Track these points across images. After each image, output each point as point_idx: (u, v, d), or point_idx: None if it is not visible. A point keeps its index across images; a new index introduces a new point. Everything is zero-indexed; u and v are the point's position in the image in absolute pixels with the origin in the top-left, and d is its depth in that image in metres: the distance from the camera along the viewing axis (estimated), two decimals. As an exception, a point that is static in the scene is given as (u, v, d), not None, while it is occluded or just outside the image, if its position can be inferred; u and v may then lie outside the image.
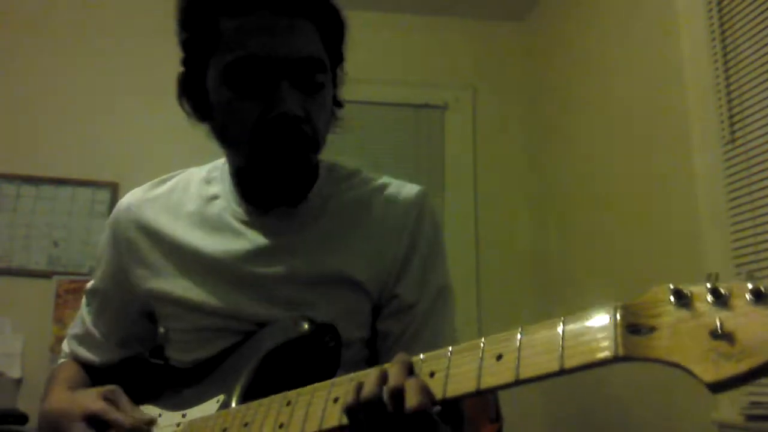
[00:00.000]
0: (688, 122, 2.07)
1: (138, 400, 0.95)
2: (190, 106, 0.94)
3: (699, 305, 0.47)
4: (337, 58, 0.95)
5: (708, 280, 0.47)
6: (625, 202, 2.47)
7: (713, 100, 1.98)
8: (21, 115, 3.04)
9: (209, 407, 0.85)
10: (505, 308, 3.08)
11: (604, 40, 2.71)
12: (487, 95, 3.43)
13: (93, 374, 1.06)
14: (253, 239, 0.95)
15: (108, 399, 0.90)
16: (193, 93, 0.93)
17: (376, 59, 3.29)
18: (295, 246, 0.94)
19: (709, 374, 0.43)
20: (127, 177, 2.96)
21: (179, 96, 0.94)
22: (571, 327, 0.52)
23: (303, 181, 0.94)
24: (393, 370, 0.61)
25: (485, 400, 2.33)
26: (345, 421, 0.63)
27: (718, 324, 0.44)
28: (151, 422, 0.88)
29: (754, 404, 1.76)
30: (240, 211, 0.97)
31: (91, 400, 0.89)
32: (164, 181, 1.05)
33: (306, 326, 0.86)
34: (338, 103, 0.98)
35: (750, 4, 1.89)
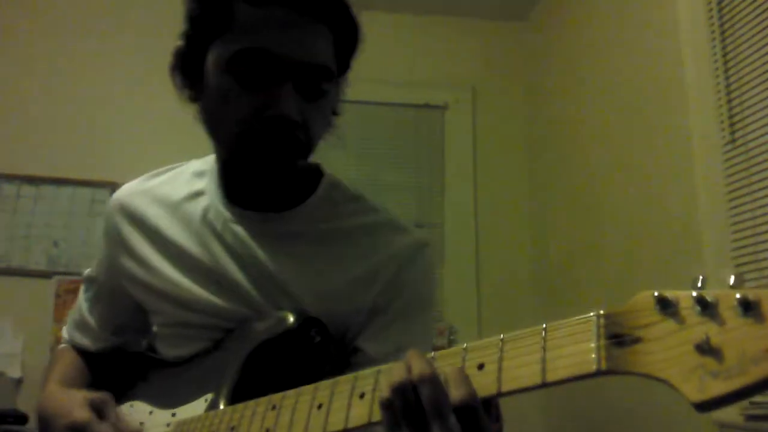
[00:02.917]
0: (688, 122, 2.07)
1: (130, 395, 0.97)
2: (183, 82, 0.90)
3: (685, 315, 0.45)
4: (344, 67, 0.92)
5: (694, 287, 0.45)
6: (625, 202, 2.47)
7: (713, 100, 1.98)
8: (21, 115, 3.04)
9: (198, 406, 0.85)
10: (505, 308, 3.08)
11: (604, 40, 2.71)
12: (487, 95, 3.43)
13: (90, 360, 1.08)
14: (230, 244, 0.93)
15: (95, 407, 0.89)
16: (189, 70, 0.88)
17: (376, 59, 3.27)
18: (263, 259, 0.91)
19: (696, 393, 0.42)
20: (127, 177, 2.93)
21: (172, 69, 0.90)
22: (553, 336, 0.51)
23: (285, 184, 0.91)
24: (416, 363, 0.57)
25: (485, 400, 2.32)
26: (330, 429, 0.63)
27: (705, 338, 0.43)
28: None
29: (754, 404, 1.76)
30: (222, 211, 0.95)
31: (78, 407, 0.88)
32: (159, 174, 1.05)
33: (291, 320, 0.85)
34: (335, 112, 0.95)
35: (750, 4, 1.89)
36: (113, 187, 3.00)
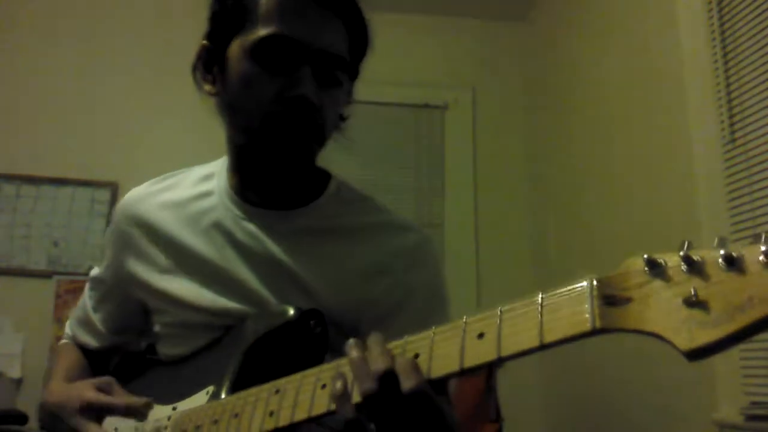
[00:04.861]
0: (688, 122, 2.07)
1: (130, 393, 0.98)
2: (205, 77, 0.95)
3: (673, 274, 0.47)
4: (354, 71, 0.98)
5: (681, 249, 0.48)
6: (625, 202, 2.47)
7: (713, 100, 1.98)
8: (21, 115, 3.04)
9: (199, 399, 0.86)
10: (505, 308, 3.08)
11: (604, 39, 2.71)
12: (487, 95, 3.43)
13: (92, 359, 1.11)
14: (240, 241, 0.95)
15: (101, 389, 0.94)
16: (211, 66, 0.94)
17: (376, 59, 3.28)
18: (276, 255, 0.94)
19: (686, 343, 0.44)
20: (127, 177, 2.96)
21: (195, 68, 0.96)
22: (549, 302, 0.54)
23: (299, 174, 0.94)
24: (374, 354, 0.62)
25: (485, 399, 2.33)
26: (333, 407, 0.64)
27: (692, 292, 0.45)
28: (147, 405, 0.90)
29: (754, 404, 1.76)
30: (232, 209, 0.97)
31: (86, 390, 0.94)
32: (165, 179, 1.07)
33: (291, 312, 0.87)
34: (342, 117, 0.99)
35: (750, 4, 1.89)
36: (113, 187, 3.00)
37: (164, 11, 3.16)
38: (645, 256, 0.49)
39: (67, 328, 1.16)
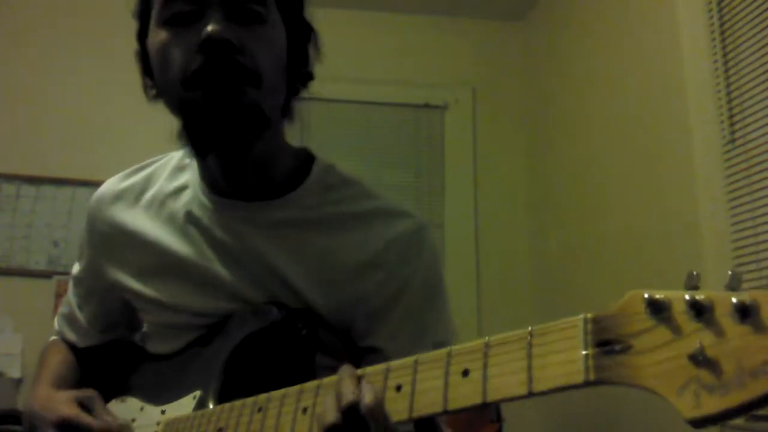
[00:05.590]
0: (688, 123, 2.07)
1: (122, 390, 0.97)
2: (149, 83, 0.90)
3: (678, 320, 0.42)
4: (288, 6, 0.86)
5: (687, 285, 0.43)
6: (624, 202, 2.47)
7: (713, 100, 1.98)
8: (21, 115, 3.04)
9: (186, 404, 0.84)
10: (505, 308, 3.08)
11: (604, 40, 2.71)
12: (487, 95, 3.43)
13: (82, 353, 1.07)
14: (219, 238, 0.90)
15: (82, 404, 0.90)
16: (148, 68, 0.88)
17: (376, 59, 3.29)
18: (257, 251, 0.88)
19: (691, 410, 0.40)
20: (127, 177, 2.97)
21: (144, 82, 0.91)
22: (539, 341, 0.48)
23: (244, 125, 0.80)
24: (344, 386, 0.59)
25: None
26: (315, 431, 0.62)
27: (699, 348, 0.40)
28: (123, 428, 0.87)
29: (754, 404, 1.76)
30: (208, 204, 0.91)
31: (66, 404, 0.90)
32: (141, 169, 1.02)
33: (276, 312, 0.83)
34: (308, 73, 0.90)
35: (750, 4, 1.89)
36: (113, 187, 3.00)
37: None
38: (646, 295, 0.43)
39: (56, 324, 1.12)
